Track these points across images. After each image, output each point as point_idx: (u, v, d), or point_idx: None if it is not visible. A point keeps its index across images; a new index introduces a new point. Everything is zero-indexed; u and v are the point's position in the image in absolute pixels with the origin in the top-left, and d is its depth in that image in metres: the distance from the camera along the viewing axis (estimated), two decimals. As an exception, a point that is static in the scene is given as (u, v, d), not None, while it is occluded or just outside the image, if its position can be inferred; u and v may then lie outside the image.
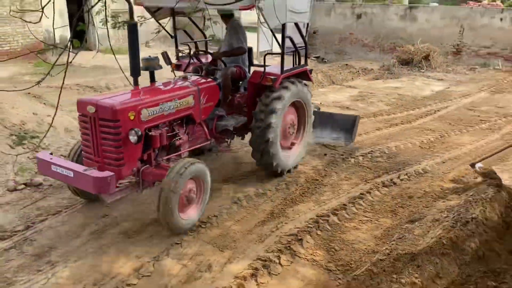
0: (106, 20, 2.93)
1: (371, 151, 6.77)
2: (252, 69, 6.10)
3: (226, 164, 6.23)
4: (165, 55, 5.66)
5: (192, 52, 6.02)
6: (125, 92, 4.91)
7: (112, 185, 4.19)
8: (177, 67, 6.15)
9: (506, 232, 4.07)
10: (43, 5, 2.66)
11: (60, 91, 2.87)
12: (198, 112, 5.28)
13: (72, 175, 4.25)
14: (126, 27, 3.08)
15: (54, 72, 2.66)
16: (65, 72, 2.60)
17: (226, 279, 3.68)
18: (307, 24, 6.46)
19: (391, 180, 5.79)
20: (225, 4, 5.05)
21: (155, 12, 5.89)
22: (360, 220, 4.80)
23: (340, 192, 5.45)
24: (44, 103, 8.36)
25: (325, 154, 6.62)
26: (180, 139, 5.07)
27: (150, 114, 4.59)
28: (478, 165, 5.58)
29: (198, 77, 5.58)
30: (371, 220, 4.81)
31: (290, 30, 5.79)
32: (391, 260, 3.71)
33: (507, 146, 5.87)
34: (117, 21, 3.19)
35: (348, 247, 4.26)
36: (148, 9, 5.76)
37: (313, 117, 6.54)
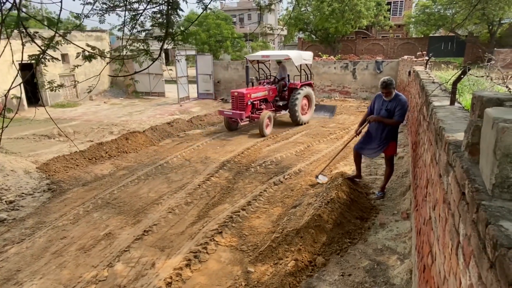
0: (41, 84, 2.72)
1: (264, 161, 6.83)
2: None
3: (162, 183, 5.90)
4: (254, 79, 10.04)
5: (266, 77, 10.70)
6: (245, 88, 9.29)
7: (243, 116, 8.72)
8: (259, 84, 10.11)
9: (352, 205, 4.35)
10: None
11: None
12: (269, 97, 9.62)
13: (231, 113, 8.80)
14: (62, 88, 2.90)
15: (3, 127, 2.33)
16: (1, 134, 2.37)
17: (167, 272, 3.44)
18: (310, 64, 11.05)
19: (279, 180, 5.88)
20: (281, 59, 10.11)
21: (251, 62, 10.45)
22: (261, 211, 4.79)
23: (246, 193, 5.40)
24: (6, 152, 7.22)
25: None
26: (263, 106, 9.46)
27: (254, 96, 9.03)
28: (320, 176, 5.59)
29: (269, 85, 9.89)
30: (268, 210, 4.82)
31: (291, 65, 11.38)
32: (284, 236, 3.78)
33: (333, 157, 5.94)
34: (53, 85, 2.90)
35: (254, 232, 4.24)
36: (249, 61, 10.37)
37: (314, 106, 10.62)
